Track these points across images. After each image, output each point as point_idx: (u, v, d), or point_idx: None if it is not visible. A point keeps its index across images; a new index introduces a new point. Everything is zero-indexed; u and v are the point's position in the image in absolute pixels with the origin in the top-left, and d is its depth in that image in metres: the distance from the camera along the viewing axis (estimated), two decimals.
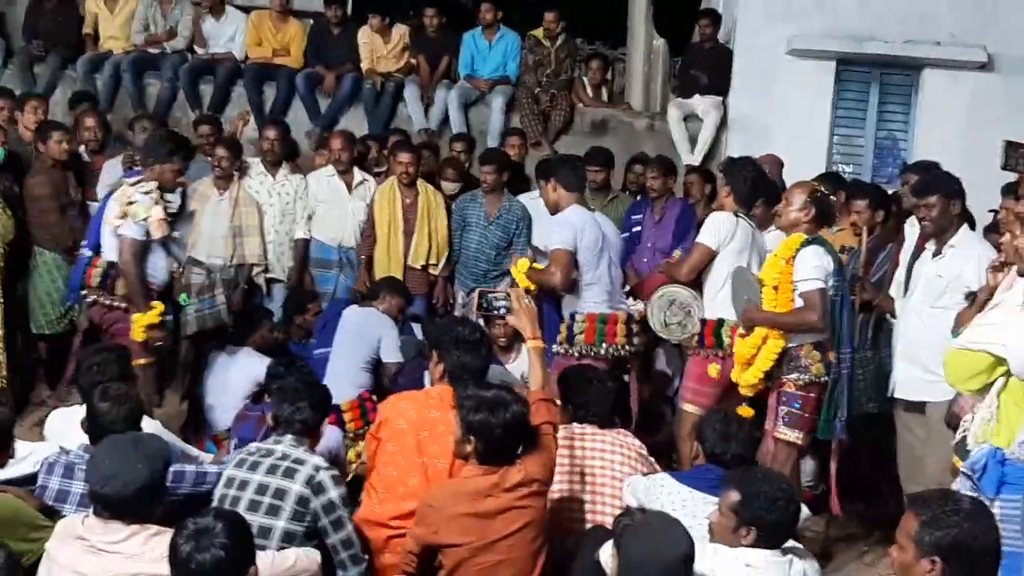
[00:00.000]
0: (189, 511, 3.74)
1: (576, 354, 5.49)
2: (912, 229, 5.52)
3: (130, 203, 5.61)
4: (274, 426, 4.20)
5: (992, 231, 5.25)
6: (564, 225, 5.54)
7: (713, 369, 5.34)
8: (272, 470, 3.96)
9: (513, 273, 5.86)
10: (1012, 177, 5.91)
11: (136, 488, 3.34)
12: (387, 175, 7.59)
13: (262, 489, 3.92)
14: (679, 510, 4.01)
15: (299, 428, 4.13)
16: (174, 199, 6.17)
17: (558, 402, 4.42)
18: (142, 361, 5.65)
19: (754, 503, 3.47)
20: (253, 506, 3.88)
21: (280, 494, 3.89)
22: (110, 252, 5.81)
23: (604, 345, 5.51)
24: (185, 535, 2.99)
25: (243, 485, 3.95)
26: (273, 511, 3.88)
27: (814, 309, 4.88)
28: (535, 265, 5.74)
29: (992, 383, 3.84)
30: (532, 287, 5.54)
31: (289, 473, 3.94)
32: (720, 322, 5.41)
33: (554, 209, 5.75)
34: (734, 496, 3.53)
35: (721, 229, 5.43)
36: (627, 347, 5.60)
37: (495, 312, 4.80)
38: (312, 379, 4.74)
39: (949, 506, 2.87)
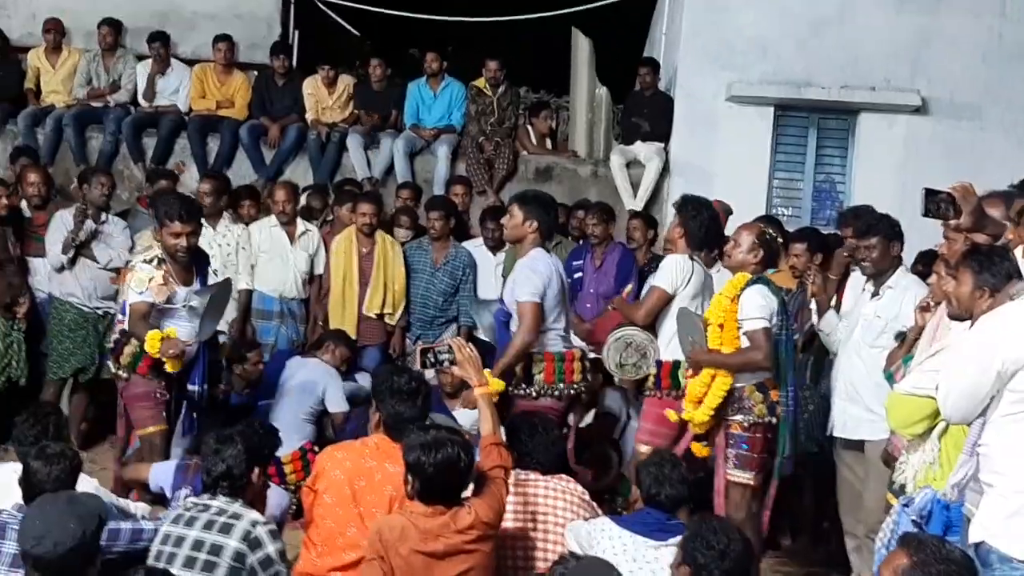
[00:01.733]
0: (125, 569, 3.72)
1: (534, 394, 5.43)
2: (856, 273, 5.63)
3: (127, 270, 5.51)
4: (205, 487, 4.10)
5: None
6: (532, 275, 5.39)
7: (672, 414, 5.30)
8: (208, 525, 3.88)
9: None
10: None
11: (67, 548, 3.26)
12: (332, 226, 7.59)
13: (198, 545, 3.84)
14: (620, 555, 4.03)
15: (227, 487, 4.00)
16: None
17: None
18: (151, 430, 5.50)
19: (694, 543, 3.48)
20: (189, 562, 3.80)
21: (216, 550, 3.82)
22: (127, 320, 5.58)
23: (562, 385, 5.47)
24: None
25: (179, 541, 3.87)
26: (209, 567, 3.80)
27: (760, 348, 4.93)
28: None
29: (934, 427, 3.91)
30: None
31: (225, 529, 3.86)
32: (676, 364, 5.44)
33: (513, 242, 5.69)
34: (686, 531, 3.60)
35: (677, 272, 5.49)
36: (582, 384, 5.60)
37: (440, 366, 4.83)
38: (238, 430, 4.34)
39: (943, 552, 2.90)
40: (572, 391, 5.54)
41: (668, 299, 5.50)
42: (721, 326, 5.07)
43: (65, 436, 4.77)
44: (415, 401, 4.37)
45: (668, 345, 5.53)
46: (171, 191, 7.52)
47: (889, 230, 5.28)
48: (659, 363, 5.53)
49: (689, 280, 5.49)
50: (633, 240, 7.44)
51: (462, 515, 3.88)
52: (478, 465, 4.09)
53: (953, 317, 3.77)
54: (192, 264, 5.63)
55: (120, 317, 5.75)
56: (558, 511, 4.52)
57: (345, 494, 4.27)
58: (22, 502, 4.04)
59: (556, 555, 4.35)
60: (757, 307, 4.96)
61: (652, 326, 5.63)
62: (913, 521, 3.82)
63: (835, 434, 5.35)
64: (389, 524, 3.92)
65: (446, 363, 4.67)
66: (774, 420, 5.01)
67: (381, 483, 4.23)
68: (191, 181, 8.55)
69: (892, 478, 4.20)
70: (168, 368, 5.38)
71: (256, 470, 4.06)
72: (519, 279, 5.42)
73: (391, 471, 4.24)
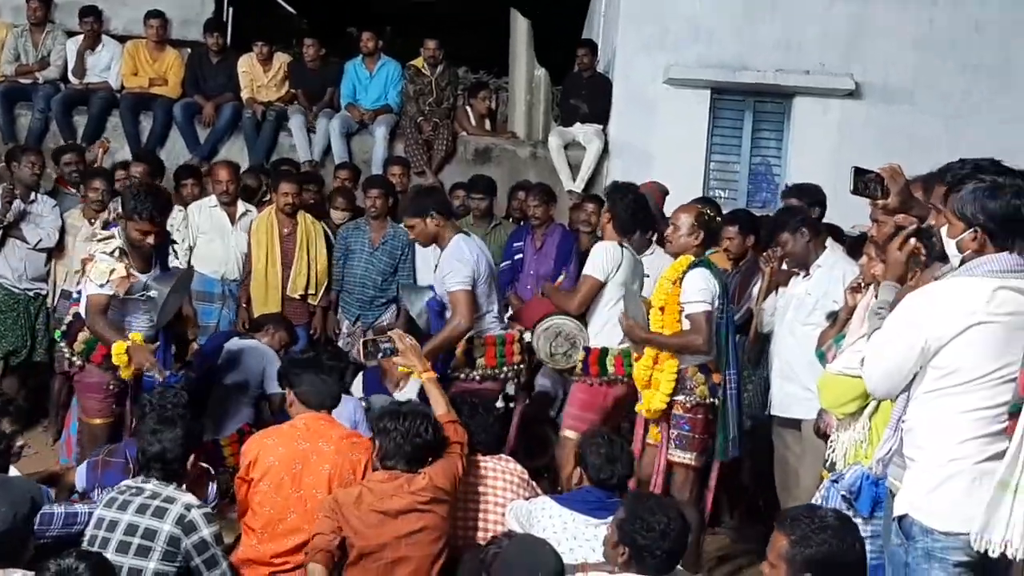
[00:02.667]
0: (59, 553, 3.67)
1: (478, 378, 5.48)
2: None
3: (88, 260, 5.28)
4: (139, 468, 4.08)
5: (857, 250, 5.47)
6: (459, 263, 5.41)
7: (641, 407, 5.23)
8: (142, 509, 3.86)
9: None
10: None
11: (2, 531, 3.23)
12: (267, 205, 7.52)
13: (132, 529, 3.81)
14: (560, 532, 4.08)
15: (159, 470, 3.98)
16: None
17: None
18: (97, 421, 5.38)
19: (631, 524, 3.50)
20: (122, 547, 3.78)
21: (150, 534, 3.80)
22: (83, 306, 5.38)
23: (506, 367, 5.55)
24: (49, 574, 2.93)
25: (112, 525, 3.84)
26: (143, 552, 3.79)
27: (700, 332, 4.95)
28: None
29: (865, 407, 3.99)
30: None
31: (159, 512, 3.84)
32: (604, 351, 5.49)
33: (433, 241, 5.66)
34: (620, 512, 3.60)
35: (608, 260, 5.53)
36: (522, 366, 5.69)
37: (382, 356, 4.91)
38: (179, 413, 4.32)
39: (816, 523, 2.98)
40: (514, 372, 5.64)
41: (600, 286, 5.54)
42: (662, 309, 5.10)
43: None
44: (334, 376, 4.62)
45: (599, 332, 5.57)
46: (98, 171, 7.41)
47: (792, 222, 5.39)
48: (587, 349, 5.56)
49: (619, 267, 5.54)
50: (590, 224, 7.27)
51: (416, 479, 4.12)
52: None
53: (898, 280, 3.86)
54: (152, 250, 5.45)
55: (75, 298, 5.58)
56: (498, 491, 4.60)
57: (283, 480, 4.30)
58: None
59: (494, 532, 4.43)
60: (699, 290, 4.99)
61: (582, 313, 5.68)
62: (843, 497, 3.91)
63: (773, 412, 5.43)
64: (345, 492, 4.15)
65: (388, 352, 4.80)
66: (716, 402, 5.05)
67: (317, 463, 4.29)
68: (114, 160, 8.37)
69: (824, 455, 4.29)
70: (122, 374, 5.23)
71: (192, 456, 4.07)
72: (446, 270, 5.47)
73: (325, 450, 4.34)
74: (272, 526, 4.29)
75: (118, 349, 5.15)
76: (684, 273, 5.04)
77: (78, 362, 5.41)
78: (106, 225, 6.13)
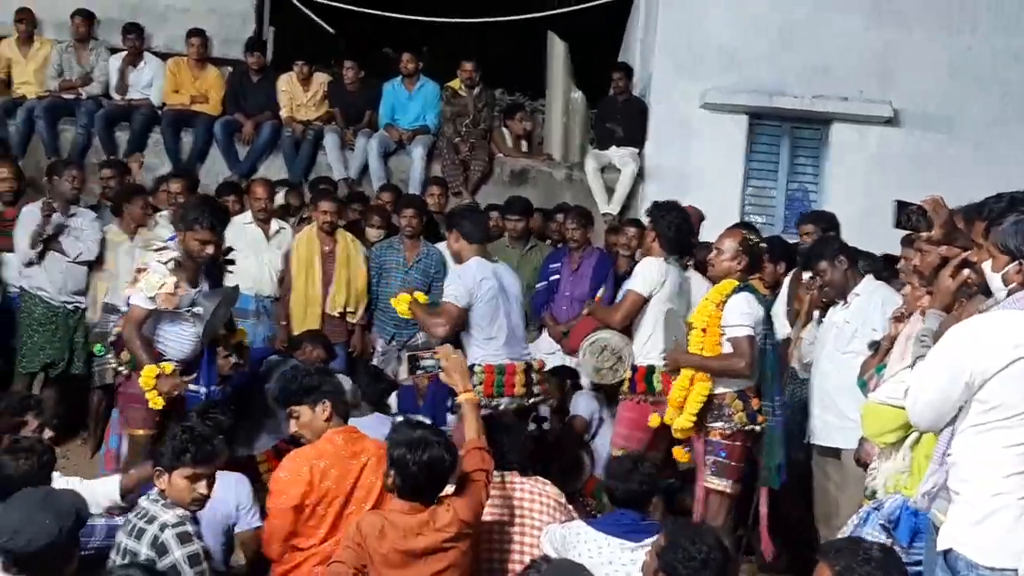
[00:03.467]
0: (101, 564, 3.70)
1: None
2: None
3: (142, 270, 5.30)
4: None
5: (893, 279, 5.45)
6: (458, 280, 5.48)
7: (655, 419, 5.32)
8: (131, 531, 3.76)
9: (393, 303, 5.80)
10: None
11: (42, 544, 3.24)
12: (306, 223, 7.58)
13: (124, 552, 3.74)
14: (596, 557, 4.06)
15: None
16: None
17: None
18: (140, 432, 5.33)
19: (673, 553, 3.47)
20: (122, 569, 3.63)
21: (132, 556, 3.70)
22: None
23: (504, 399, 5.44)
24: None
25: (118, 548, 3.78)
26: None
27: (743, 356, 4.95)
28: (418, 296, 5.73)
29: (907, 437, 3.97)
30: (408, 315, 5.61)
31: (139, 534, 3.74)
32: (651, 368, 5.48)
33: (456, 259, 5.74)
34: (661, 540, 3.56)
35: (652, 275, 5.53)
36: (527, 399, 5.57)
37: (427, 371, 4.88)
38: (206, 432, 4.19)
39: (860, 555, 2.96)
40: (512, 405, 5.49)
41: (643, 302, 5.53)
42: (704, 330, 5.09)
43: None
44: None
45: (643, 348, 5.56)
46: (137, 188, 7.48)
47: (830, 250, 5.35)
48: (634, 367, 5.55)
49: (664, 283, 5.53)
50: (629, 248, 7.26)
51: (441, 513, 3.93)
52: (461, 467, 4.12)
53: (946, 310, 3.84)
54: (199, 265, 5.49)
55: (124, 311, 5.61)
56: (535, 513, 4.55)
57: (337, 500, 4.25)
58: None
59: (531, 557, 4.40)
60: (742, 314, 4.99)
61: (628, 330, 5.66)
62: (882, 525, 3.89)
63: (812, 441, 5.40)
64: (369, 521, 3.94)
65: (431, 369, 4.73)
66: (756, 428, 5.03)
67: (365, 478, 4.29)
68: (148, 176, 8.46)
69: (864, 483, 4.26)
70: (150, 404, 5.22)
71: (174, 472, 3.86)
72: (447, 282, 5.62)
73: (368, 463, 4.32)
74: (324, 544, 4.25)
75: (148, 373, 5.19)
76: (727, 297, 5.03)
77: (124, 371, 5.44)
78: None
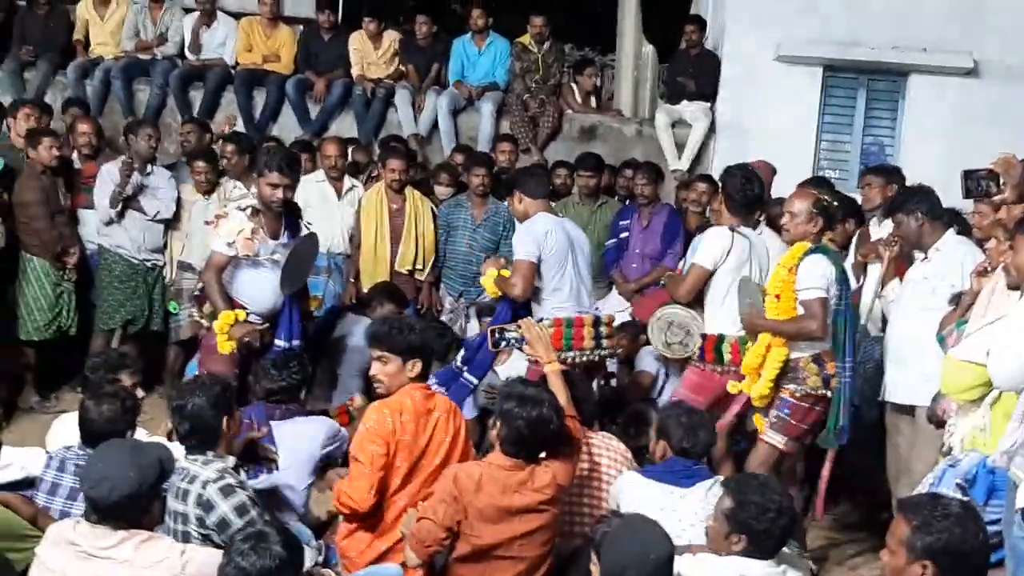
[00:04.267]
0: None
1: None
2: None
3: (221, 216, 5.46)
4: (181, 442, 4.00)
5: (967, 234, 5.32)
6: (527, 235, 5.56)
7: (733, 386, 5.26)
8: (176, 493, 3.78)
9: (482, 283, 5.89)
10: None
11: (123, 494, 3.33)
12: (377, 181, 7.62)
13: (174, 516, 3.77)
14: (646, 505, 4.07)
15: (197, 442, 3.91)
16: None
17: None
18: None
19: (745, 511, 3.46)
20: (174, 535, 3.73)
21: (183, 519, 3.75)
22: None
23: (572, 352, 5.44)
24: (245, 536, 3.15)
25: (169, 512, 3.79)
26: (185, 537, 3.72)
27: (814, 317, 4.88)
28: (503, 272, 5.76)
29: (987, 394, 3.89)
30: (498, 294, 5.64)
31: (184, 496, 3.76)
32: (720, 338, 5.41)
33: (523, 219, 5.77)
34: (727, 502, 3.52)
35: (716, 248, 5.45)
36: (596, 351, 5.56)
37: (510, 344, 4.89)
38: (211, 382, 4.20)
39: (939, 511, 2.92)
40: (581, 358, 5.50)
41: (708, 275, 5.47)
42: (778, 296, 5.04)
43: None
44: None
45: (713, 318, 5.50)
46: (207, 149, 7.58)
47: (911, 203, 5.21)
48: (704, 336, 5.51)
49: (729, 252, 5.43)
50: (700, 204, 7.23)
51: (539, 473, 3.96)
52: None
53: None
54: (282, 216, 5.64)
55: (199, 269, 5.77)
56: (603, 468, 4.60)
57: (411, 454, 4.26)
58: (71, 445, 4.18)
59: (600, 510, 4.44)
60: (814, 277, 4.91)
61: (697, 299, 5.61)
62: (957, 484, 3.84)
63: (886, 399, 5.31)
64: (467, 471, 3.98)
65: (515, 343, 4.77)
66: (828, 393, 4.97)
67: (436, 435, 4.31)
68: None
69: (942, 439, 4.19)
70: (220, 348, 5.37)
71: (226, 418, 3.96)
72: (516, 241, 5.65)
73: (440, 420, 4.34)
74: (393, 496, 4.27)
75: (224, 318, 5.34)
76: (800, 260, 4.96)
77: (206, 324, 5.57)
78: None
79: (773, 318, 5.03)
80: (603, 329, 5.56)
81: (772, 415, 5.05)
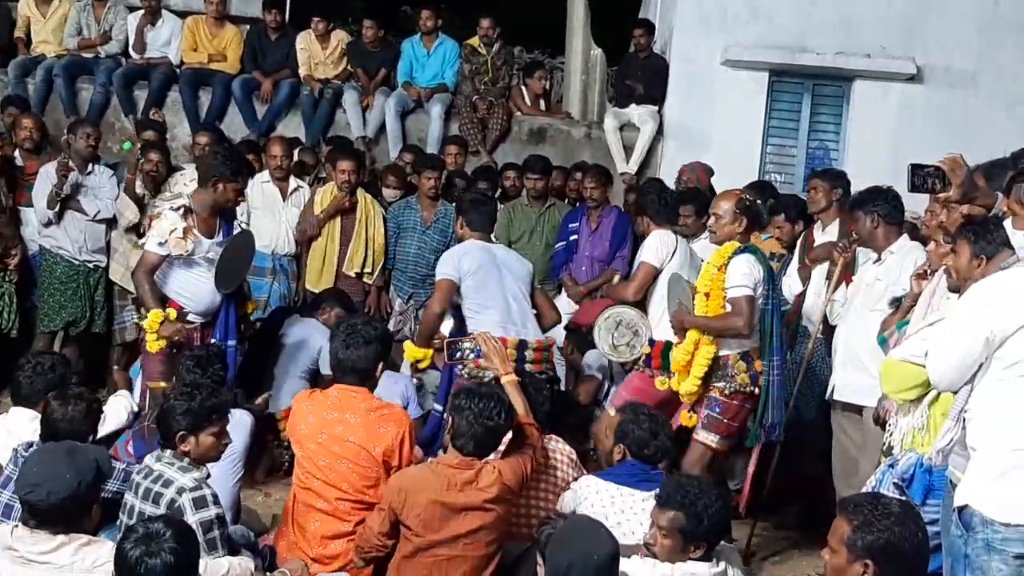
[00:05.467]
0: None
1: (465, 375, 5.32)
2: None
3: (154, 217, 5.48)
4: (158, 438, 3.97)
5: (914, 239, 5.40)
6: (446, 257, 5.63)
7: (660, 382, 5.33)
8: (146, 495, 3.74)
9: (407, 357, 5.74)
10: None
11: (61, 498, 3.28)
12: (323, 182, 7.58)
13: (140, 515, 3.70)
14: (608, 507, 4.14)
15: (170, 444, 3.87)
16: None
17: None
18: (161, 384, 5.33)
19: (702, 521, 3.52)
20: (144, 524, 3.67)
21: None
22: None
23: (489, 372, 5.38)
24: (134, 539, 2.98)
25: (130, 511, 3.77)
26: None
27: (741, 315, 4.95)
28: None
29: (926, 394, 3.95)
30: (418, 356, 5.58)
31: (156, 498, 3.71)
32: (668, 345, 5.44)
33: (458, 242, 5.83)
34: (679, 517, 3.54)
35: (662, 246, 5.56)
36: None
37: (466, 358, 4.95)
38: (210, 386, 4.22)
39: (880, 510, 2.95)
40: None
41: (656, 273, 5.56)
42: (707, 295, 5.10)
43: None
44: (366, 349, 4.41)
45: (659, 323, 5.55)
46: (159, 143, 7.49)
47: (871, 203, 5.27)
48: (652, 342, 5.54)
49: (674, 252, 5.58)
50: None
51: (485, 472, 4.03)
52: (511, 440, 4.25)
53: (952, 289, 3.80)
54: (217, 216, 5.64)
55: None
56: (550, 470, 4.61)
57: (310, 449, 4.34)
58: (33, 441, 4.13)
59: (546, 513, 4.44)
60: (741, 275, 4.98)
61: (642, 304, 5.66)
62: (895, 484, 3.89)
63: (834, 398, 5.37)
64: (411, 473, 4.10)
65: (472, 354, 4.85)
66: (756, 390, 5.05)
67: (343, 434, 4.30)
68: (183, 135, 8.49)
69: (883, 439, 4.25)
70: (149, 347, 5.42)
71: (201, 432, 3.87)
72: (439, 262, 5.68)
73: (352, 422, 4.33)
74: (302, 490, 4.34)
75: (155, 317, 5.36)
76: (729, 259, 5.03)
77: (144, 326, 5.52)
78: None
79: (702, 315, 5.09)
80: (528, 353, 5.47)
81: (703, 414, 5.10)
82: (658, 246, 5.60)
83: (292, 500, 4.45)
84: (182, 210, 5.45)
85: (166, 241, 5.40)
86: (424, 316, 5.74)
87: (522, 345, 5.47)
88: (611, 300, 5.98)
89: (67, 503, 3.30)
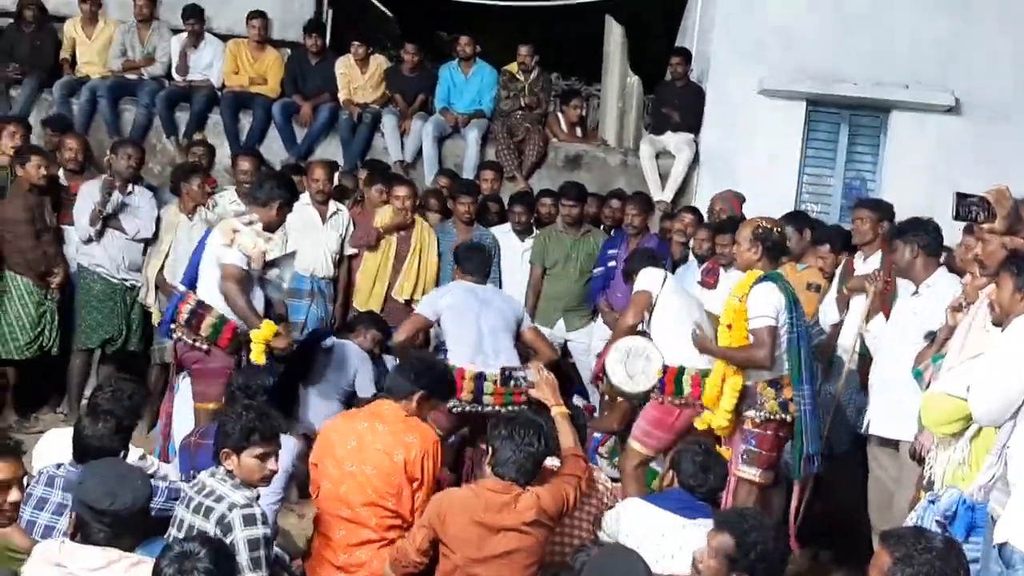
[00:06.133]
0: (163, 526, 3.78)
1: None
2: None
3: (235, 231, 5.51)
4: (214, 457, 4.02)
5: (951, 271, 5.38)
6: (426, 297, 6.28)
7: (701, 423, 5.30)
8: (197, 508, 3.80)
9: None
10: None
11: (140, 505, 3.39)
12: (361, 206, 7.64)
13: (190, 529, 3.76)
14: (648, 529, 4.14)
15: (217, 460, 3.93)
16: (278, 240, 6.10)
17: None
18: (211, 406, 5.43)
19: (750, 552, 3.50)
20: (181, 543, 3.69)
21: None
22: (205, 290, 5.61)
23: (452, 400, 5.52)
24: (169, 558, 3.02)
25: (180, 524, 3.83)
26: None
27: (762, 346, 4.95)
28: None
29: (967, 428, 3.92)
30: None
31: (206, 512, 3.76)
32: (681, 370, 5.47)
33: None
34: (728, 542, 3.53)
35: (653, 275, 5.68)
36: (475, 404, 5.70)
37: (518, 384, 5.08)
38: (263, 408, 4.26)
39: (922, 544, 2.95)
40: (465, 408, 5.70)
41: (649, 298, 5.63)
42: (729, 326, 5.11)
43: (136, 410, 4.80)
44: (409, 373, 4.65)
45: (669, 350, 5.56)
46: (194, 167, 7.59)
47: (912, 233, 5.26)
48: (665, 368, 5.55)
49: (665, 277, 5.69)
50: (684, 235, 7.32)
51: (524, 497, 4.10)
52: (558, 469, 4.37)
53: (996, 323, 3.77)
54: None
55: (182, 289, 5.72)
56: (589, 499, 4.63)
57: (338, 456, 4.44)
58: (71, 459, 4.17)
59: (583, 542, 4.46)
60: (761, 305, 4.98)
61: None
62: (937, 521, 3.86)
63: (870, 431, 5.34)
64: (452, 494, 4.22)
65: (523, 383, 4.95)
66: (787, 418, 5.02)
67: (371, 442, 4.41)
68: (224, 157, 8.59)
69: (922, 474, 4.22)
70: (254, 357, 5.43)
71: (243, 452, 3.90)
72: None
73: (380, 430, 4.45)
74: (328, 500, 4.43)
75: (268, 327, 5.41)
76: (750, 289, 5.02)
77: (204, 347, 5.55)
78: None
79: (725, 346, 5.09)
80: (487, 385, 5.69)
81: (741, 450, 5.08)
82: (648, 274, 5.72)
83: (317, 519, 4.55)
84: (259, 226, 5.59)
85: (249, 257, 5.49)
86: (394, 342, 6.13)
87: (479, 377, 5.71)
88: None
89: (143, 511, 3.40)
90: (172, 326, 5.65)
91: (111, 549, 3.34)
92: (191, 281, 5.73)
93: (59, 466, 4.21)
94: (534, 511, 4.06)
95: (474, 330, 5.82)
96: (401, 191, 7.31)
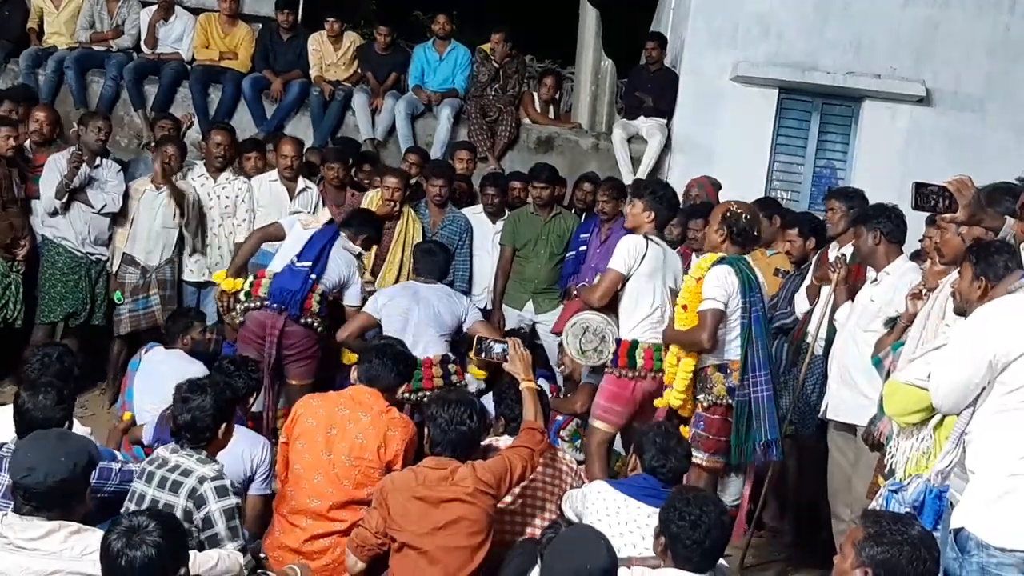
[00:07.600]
0: (116, 508, 3.73)
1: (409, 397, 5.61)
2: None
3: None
4: (173, 432, 4.01)
5: (918, 258, 5.39)
6: (372, 296, 6.28)
7: (661, 402, 5.33)
8: (162, 483, 3.80)
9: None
10: None
11: (57, 480, 3.28)
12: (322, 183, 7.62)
13: (153, 503, 3.75)
14: (613, 516, 4.11)
15: (189, 438, 3.91)
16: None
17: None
18: (308, 382, 6.10)
19: (667, 513, 3.52)
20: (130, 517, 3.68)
21: (168, 509, 3.69)
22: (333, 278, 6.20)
23: (420, 392, 5.64)
24: (117, 532, 2.97)
25: (140, 499, 3.81)
26: None
27: (703, 328, 4.99)
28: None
29: (930, 418, 3.93)
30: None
31: (175, 487, 3.77)
32: (634, 343, 5.47)
33: None
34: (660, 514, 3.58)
35: (630, 253, 5.52)
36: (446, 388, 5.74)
37: (490, 355, 5.01)
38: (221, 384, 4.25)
39: (897, 527, 2.96)
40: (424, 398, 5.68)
41: (621, 279, 5.53)
42: (685, 307, 5.14)
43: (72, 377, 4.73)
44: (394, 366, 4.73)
45: (626, 324, 5.54)
46: (167, 137, 7.52)
47: (876, 219, 5.25)
48: (618, 341, 5.54)
49: (643, 258, 5.50)
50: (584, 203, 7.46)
51: (461, 470, 4.17)
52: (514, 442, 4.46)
53: (958, 312, 3.78)
54: None
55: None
56: (547, 477, 4.64)
57: (316, 441, 4.46)
58: (15, 437, 4.09)
59: (544, 522, 4.46)
60: (711, 288, 5.02)
61: (613, 307, 5.64)
62: (908, 512, 3.85)
63: (828, 417, 5.35)
64: (394, 476, 4.28)
65: (498, 354, 4.93)
66: (731, 403, 5.05)
67: (352, 431, 4.45)
68: (192, 132, 8.51)
69: (883, 461, 4.22)
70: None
71: (223, 425, 3.98)
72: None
73: (362, 420, 4.49)
74: (298, 484, 4.43)
75: None
76: (707, 271, 5.05)
77: (320, 330, 6.19)
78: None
79: (680, 328, 5.10)
80: (452, 366, 5.92)
81: (691, 432, 5.11)
82: (625, 252, 5.54)
83: (279, 499, 4.54)
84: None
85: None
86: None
87: (444, 360, 5.86)
88: (581, 304, 5.94)
89: (63, 485, 3.30)
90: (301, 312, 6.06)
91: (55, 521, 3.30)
92: (321, 270, 6.15)
93: (2, 445, 4.14)
94: (470, 479, 4.13)
95: (400, 323, 5.89)
96: (391, 181, 7.17)
